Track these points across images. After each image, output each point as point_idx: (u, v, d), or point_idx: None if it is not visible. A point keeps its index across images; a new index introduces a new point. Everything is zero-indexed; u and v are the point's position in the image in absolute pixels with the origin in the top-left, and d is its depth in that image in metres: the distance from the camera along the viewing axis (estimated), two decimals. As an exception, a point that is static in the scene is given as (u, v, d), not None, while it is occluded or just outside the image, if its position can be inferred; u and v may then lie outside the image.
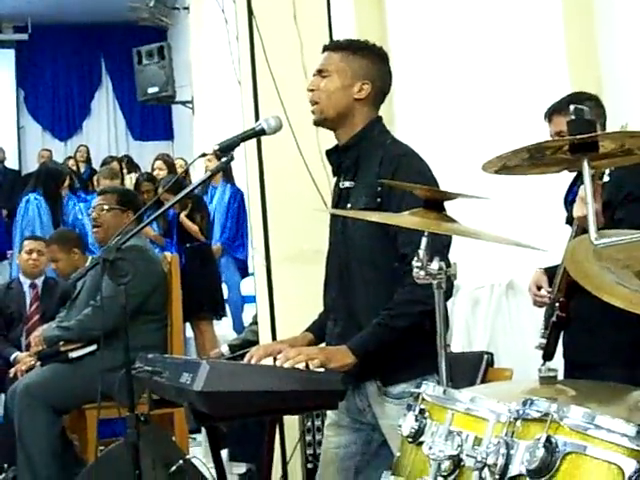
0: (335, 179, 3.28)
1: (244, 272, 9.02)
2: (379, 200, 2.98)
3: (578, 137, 1.88)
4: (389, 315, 2.93)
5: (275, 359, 2.98)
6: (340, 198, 3.20)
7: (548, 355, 3.53)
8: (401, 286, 2.92)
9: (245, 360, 3.10)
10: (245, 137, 3.23)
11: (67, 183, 9.77)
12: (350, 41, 3.30)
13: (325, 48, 3.24)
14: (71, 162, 12.69)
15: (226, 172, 8.86)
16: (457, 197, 2.43)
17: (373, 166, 3.06)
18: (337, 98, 3.13)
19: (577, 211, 3.24)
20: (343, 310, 3.11)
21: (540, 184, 3.88)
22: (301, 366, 2.88)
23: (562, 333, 3.55)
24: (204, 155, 3.55)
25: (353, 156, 3.15)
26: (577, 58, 4.38)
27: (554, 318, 3.52)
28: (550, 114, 3.71)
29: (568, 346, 3.59)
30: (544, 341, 3.55)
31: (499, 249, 3.95)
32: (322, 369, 2.88)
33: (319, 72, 3.19)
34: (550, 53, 4.42)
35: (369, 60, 3.17)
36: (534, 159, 2.03)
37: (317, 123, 3.22)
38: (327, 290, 3.27)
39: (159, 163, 9.93)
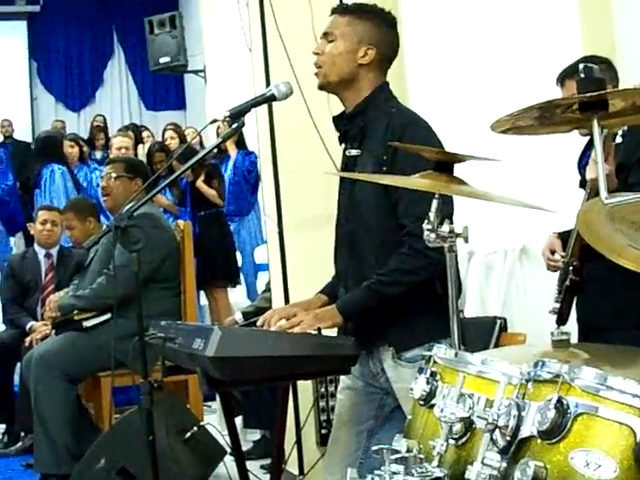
0: (343, 146, 3.27)
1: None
2: (385, 168, 2.98)
3: (587, 95, 1.87)
4: (380, 281, 2.95)
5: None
6: (347, 166, 3.19)
7: (562, 319, 3.53)
8: (396, 254, 2.94)
9: (259, 324, 3.11)
10: (255, 103, 3.22)
11: (76, 150, 9.80)
12: (357, 5, 3.28)
13: (333, 11, 3.21)
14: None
15: (239, 139, 8.89)
16: (468, 159, 2.42)
17: (379, 134, 3.05)
18: (341, 63, 3.11)
19: (590, 173, 3.23)
20: (353, 276, 3.11)
21: (553, 147, 3.87)
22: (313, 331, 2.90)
23: (576, 297, 3.54)
24: (215, 121, 3.53)
25: (359, 124, 3.13)
26: (590, 22, 4.34)
27: (568, 282, 3.51)
28: (562, 78, 3.68)
29: (582, 310, 3.58)
30: (558, 305, 3.54)
31: (512, 214, 3.95)
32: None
33: (325, 35, 3.17)
34: (563, 16, 4.38)
35: (375, 25, 3.14)
36: (544, 118, 2.02)
37: (321, 87, 3.20)
38: (337, 257, 3.27)
39: (170, 132, 9.94)
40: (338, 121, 3.24)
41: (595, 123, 1.87)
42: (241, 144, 9.12)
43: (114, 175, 5.36)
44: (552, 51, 4.34)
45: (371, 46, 3.11)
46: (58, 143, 9.24)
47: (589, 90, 1.88)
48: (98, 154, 11.44)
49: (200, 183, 8.44)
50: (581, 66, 1.96)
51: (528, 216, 3.67)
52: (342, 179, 3.23)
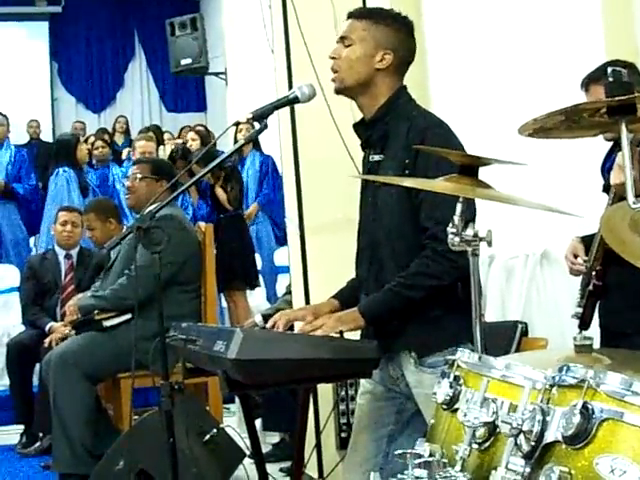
0: (364, 152, 3.26)
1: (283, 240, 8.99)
2: (407, 172, 2.97)
3: (616, 99, 1.85)
4: (402, 284, 2.94)
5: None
6: (370, 171, 3.18)
7: (584, 324, 3.52)
8: (419, 257, 2.94)
9: (268, 326, 3.11)
10: (278, 105, 3.21)
11: (107, 150, 9.90)
12: (374, 9, 3.27)
13: (349, 15, 3.19)
14: (106, 135, 12.68)
15: (254, 141, 8.93)
16: (492, 163, 2.40)
17: (401, 138, 3.04)
18: (358, 68, 3.09)
19: (615, 178, 3.21)
20: (374, 282, 3.10)
21: (576, 151, 3.85)
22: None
23: (598, 302, 3.53)
24: (238, 124, 3.53)
25: (381, 130, 3.12)
26: (613, 27, 4.32)
27: (590, 287, 3.50)
28: (587, 83, 3.66)
29: (604, 315, 3.57)
30: (580, 310, 3.53)
31: (533, 218, 3.94)
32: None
33: (342, 39, 3.15)
34: (586, 21, 4.36)
35: (392, 29, 3.12)
36: (570, 122, 2.01)
37: (338, 91, 3.19)
38: (359, 262, 3.26)
39: (192, 134, 9.97)
40: (359, 128, 3.23)
41: (623, 127, 1.86)
42: (256, 145, 9.22)
43: (139, 176, 5.37)
44: (574, 55, 4.33)
45: (388, 51, 3.10)
46: (71, 146, 9.23)
47: (618, 94, 1.87)
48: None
49: (216, 187, 8.47)
50: (610, 70, 1.94)
51: (549, 220, 3.65)
52: (365, 186, 3.22)
